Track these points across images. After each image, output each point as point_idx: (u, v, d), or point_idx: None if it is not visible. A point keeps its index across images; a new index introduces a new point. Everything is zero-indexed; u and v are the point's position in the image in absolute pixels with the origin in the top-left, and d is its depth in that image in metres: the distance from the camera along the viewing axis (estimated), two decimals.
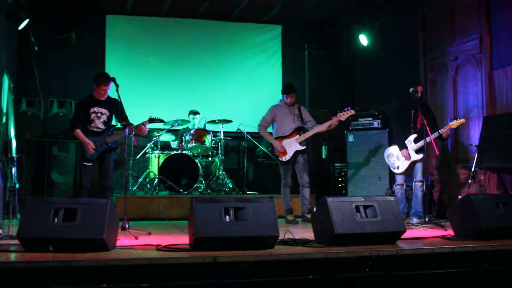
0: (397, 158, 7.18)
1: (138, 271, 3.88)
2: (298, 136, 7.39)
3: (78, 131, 6.65)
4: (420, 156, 7.02)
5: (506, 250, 4.69)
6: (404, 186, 7.24)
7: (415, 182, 7.10)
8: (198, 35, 10.99)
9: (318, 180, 9.90)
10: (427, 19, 9.11)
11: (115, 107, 6.66)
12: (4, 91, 7.92)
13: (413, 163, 7.11)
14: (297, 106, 7.60)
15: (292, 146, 7.35)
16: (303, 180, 7.43)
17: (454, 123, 6.95)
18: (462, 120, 7.03)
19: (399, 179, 7.21)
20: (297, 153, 7.38)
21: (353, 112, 7.42)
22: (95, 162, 6.70)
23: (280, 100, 7.67)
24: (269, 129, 7.71)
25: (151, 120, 6.91)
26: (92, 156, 6.62)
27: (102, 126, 6.72)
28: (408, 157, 7.07)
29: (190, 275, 3.95)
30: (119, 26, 10.65)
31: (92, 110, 6.66)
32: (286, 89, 7.57)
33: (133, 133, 6.68)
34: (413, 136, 7.10)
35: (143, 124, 6.59)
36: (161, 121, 7.19)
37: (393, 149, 7.27)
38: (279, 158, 7.41)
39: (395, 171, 7.22)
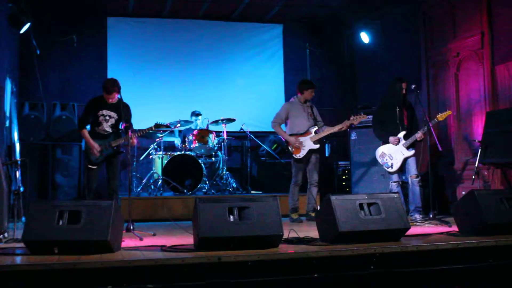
0: (389, 157, 7.12)
1: (143, 272, 3.89)
2: (312, 134, 7.39)
3: (85, 132, 6.65)
4: (412, 152, 7.00)
5: (510, 246, 4.69)
6: (400, 182, 7.18)
7: (410, 177, 7.02)
8: (199, 35, 11.00)
9: (322, 179, 9.86)
10: (428, 15, 9.10)
11: (125, 112, 6.63)
12: (7, 95, 7.95)
13: (405, 159, 7.07)
14: (310, 104, 7.60)
15: (306, 144, 7.36)
16: (312, 179, 7.46)
17: (441, 116, 6.93)
18: (449, 112, 7.01)
19: (395, 177, 7.14)
20: (310, 151, 7.39)
21: (365, 116, 7.45)
22: (100, 165, 6.71)
23: (294, 97, 7.65)
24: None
25: (157, 126, 6.93)
26: (97, 159, 6.62)
27: (109, 130, 6.70)
28: (396, 141, 7.01)
29: (195, 275, 3.96)
30: (120, 28, 10.66)
31: (100, 112, 6.64)
32: (308, 84, 7.55)
33: (136, 135, 6.68)
34: (402, 133, 7.06)
35: (132, 137, 6.54)
36: (167, 126, 7.20)
37: (384, 148, 7.20)
38: (293, 155, 7.40)
39: (389, 170, 7.14)
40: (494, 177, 7.57)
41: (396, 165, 7.05)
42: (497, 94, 7.69)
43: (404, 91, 7.09)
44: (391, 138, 7.06)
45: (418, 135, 6.90)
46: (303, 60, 11.04)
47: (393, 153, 7.07)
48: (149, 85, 10.56)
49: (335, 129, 7.39)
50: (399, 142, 7.02)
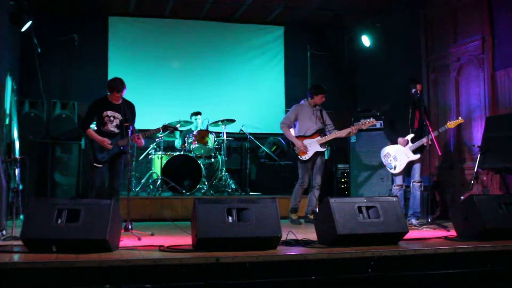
0: (393, 158, 7.08)
1: (141, 272, 3.89)
2: (319, 137, 7.39)
3: (90, 131, 6.60)
4: (418, 156, 6.97)
5: (508, 251, 4.69)
6: (403, 186, 7.13)
7: (413, 182, 7.03)
8: (201, 36, 11.01)
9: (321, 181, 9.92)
10: (429, 19, 9.11)
11: (129, 111, 6.62)
12: (7, 93, 7.95)
13: (411, 163, 7.05)
14: (319, 108, 7.61)
15: (312, 146, 7.36)
16: (315, 182, 7.47)
17: (452, 123, 6.91)
18: (460, 120, 6.98)
19: (398, 180, 7.11)
20: (316, 154, 7.40)
21: (374, 122, 7.42)
22: (105, 164, 6.69)
23: (304, 100, 7.65)
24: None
25: (165, 128, 6.91)
26: (103, 158, 6.59)
27: (115, 130, 6.66)
28: (405, 142, 6.99)
29: (193, 275, 3.96)
30: (121, 28, 10.67)
31: (105, 113, 6.60)
32: (319, 90, 7.54)
33: (137, 134, 6.67)
34: (411, 135, 7.04)
35: (139, 136, 6.55)
36: (175, 129, 7.19)
37: (390, 149, 7.16)
38: (299, 157, 7.41)
39: (392, 171, 7.11)
40: (493, 182, 7.58)
41: (399, 168, 7.02)
42: (497, 99, 7.70)
43: (419, 93, 7.04)
44: (400, 139, 7.02)
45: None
46: (304, 62, 11.04)
47: (398, 155, 7.05)
48: (149, 85, 10.56)
49: (343, 133, 7.37)
50: (407, 143, 7.00)
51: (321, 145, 7.38)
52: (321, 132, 7.45)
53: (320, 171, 7.48)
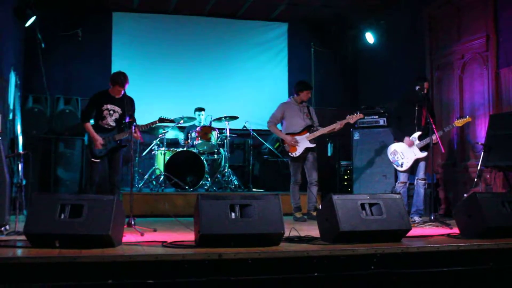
0: (401, 156, 7.09)
1: (143, 267, 3.89)
2: (308, 134, 7.39)
3: (88, 125, 6.64)
4: (424, 154, 6.96)
5: (511, 249, 4.68)
6: (407, 184, 7.14)
7: (417, 179, 7.02)
8: (205, 32, 11.01)
9: (324, 178, 9.88)
10: (433, 17, 9.08)
11: (129, 106, 6.62)
12: (11, 88, 7.96)
13: (417, 161, 7.06)
14: (306, 105, 7.61)
15: (302, 143, 7.36)
16: (311, 178, 7.45)
17: (459, 122, 6.90)
18: (468, 119, 6.97)
19: (402, 177, 7.11)
20: (307, 150, 7.39)
21: (361, 115, 7.47)
22: (103, 158, 6.70)
23: (290, 98, 7.67)
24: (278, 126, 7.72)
25: (161, 120, 6.91)
26: (100, 152, 6.61)
27: (113, 124, 6.69)
28: (411, 143, 7.00)
29: (195, 271, 3.96)
30: (125, 23, 10.68)
31: (105, 106, 6.62)
32: (304, 86, 7.56)
33: (139, 130, 6.67)
34: (418, 133, 7.03)
35: (135, 131, 6.54)
36: (171, 121, 7.19)
37: (397, 146, 7.14)
38: (290, 154, 7.41)
39: (399, 168, 7.11)
40: (496, 180, 7.56)
41: (406, 165, 7.02)
42: (501, 97, 7.68)
43: (425, 91, 7.03)
44: (407, 139, 7.01)
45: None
46: (308, 59, 11.03)
47: (406, 152, 7.03)
48: (153, 80, 10.58)
49: (329, 128, 7.36)
50: (413, 144, 6.99)
51: (310, 141, 7.38)
52: (309, 128, 7.44)
53: (314, 167, 7.46)
